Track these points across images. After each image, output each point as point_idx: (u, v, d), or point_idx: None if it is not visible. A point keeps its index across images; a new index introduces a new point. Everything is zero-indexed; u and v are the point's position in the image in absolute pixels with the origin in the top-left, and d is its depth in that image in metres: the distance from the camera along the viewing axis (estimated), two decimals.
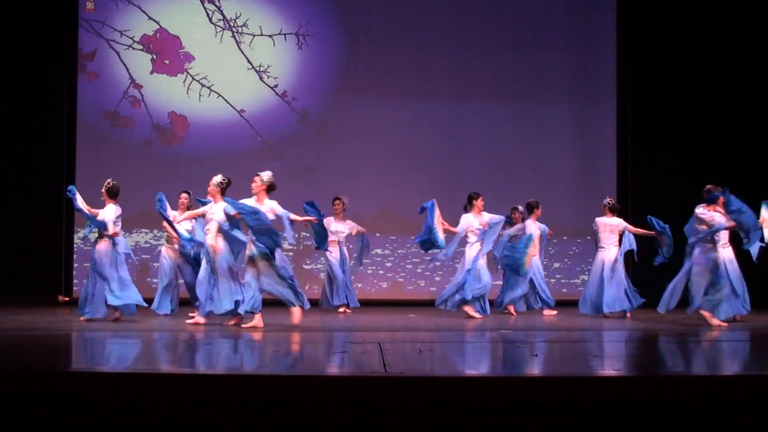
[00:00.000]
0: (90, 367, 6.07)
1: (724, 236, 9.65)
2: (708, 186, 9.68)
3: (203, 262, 9.37)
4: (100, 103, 12.93)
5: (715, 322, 9.36)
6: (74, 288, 12.53)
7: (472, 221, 10.82)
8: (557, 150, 13.57)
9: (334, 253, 11.56)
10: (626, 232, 11.11)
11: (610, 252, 11.10)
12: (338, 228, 11.68)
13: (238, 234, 9.25)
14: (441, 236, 10.47)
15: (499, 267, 11.48)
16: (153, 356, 7.03)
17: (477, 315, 10.61)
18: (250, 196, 10.59)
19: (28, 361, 6.17)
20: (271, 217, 9.11)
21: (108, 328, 8.78)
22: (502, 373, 5.72)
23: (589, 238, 12.41)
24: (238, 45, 13.21)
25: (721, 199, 9.41)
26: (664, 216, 10.86)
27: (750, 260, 9.84)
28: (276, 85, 13.23)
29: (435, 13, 13.49)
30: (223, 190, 9.54)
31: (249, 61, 13.20)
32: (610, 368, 5.93)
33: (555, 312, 11.40)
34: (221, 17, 13.20)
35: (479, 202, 10.91)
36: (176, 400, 4.91)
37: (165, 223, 10.26)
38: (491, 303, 11.26)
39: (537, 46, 13.57)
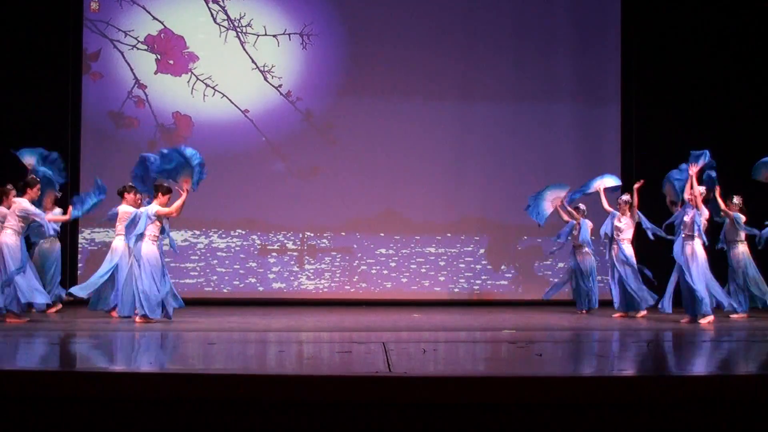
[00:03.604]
0: (93, 367, 6.08)
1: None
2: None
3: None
4: (104, 103, 12.95)
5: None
6: None
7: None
8: (561, 150, 13.55)
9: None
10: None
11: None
12: None
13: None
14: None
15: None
16: (155, 356, 7.04)
17: None
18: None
19: (32, 361, 6.18)
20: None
21: (111, 329, 8.79)
22: (506, 373, 5.71)
23: (593, 237, 12.33)
24: (242, 45, 13.23)
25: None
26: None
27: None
28: (280, 85, 13.24)
29: (439, 14, 13.48)
30: None
31: (253, 61, 13.21)
32: (613, 368, 5.92)
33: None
34: (225, 17, 13.21)
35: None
36: (177, 400, 4.91)
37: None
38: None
39: (542, 45, 13.56)
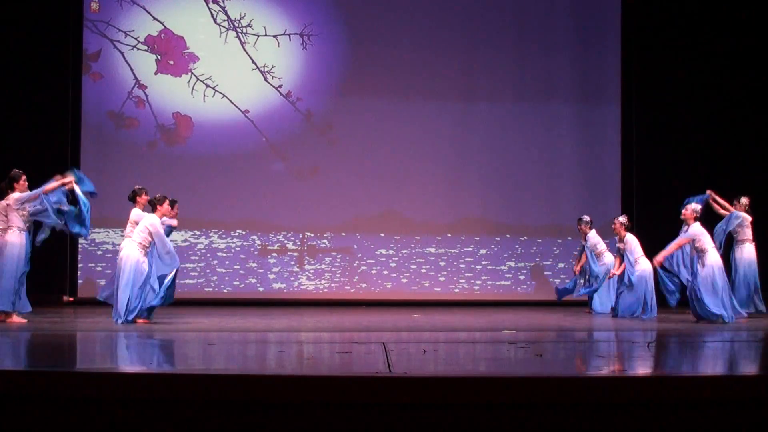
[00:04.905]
0: (93, 367, 6.08)
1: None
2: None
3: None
4: (104, 103, 12.95)
5: None
6: (79, 288, 12.56)
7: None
8: (562, 150, 13.54)
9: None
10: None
11: None
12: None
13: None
14: None
15: None
16: (155, 356, 7.04)
17: None
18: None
19: (32, 361, 6.18)
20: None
21: (112, 329, 8.79)
22: (507, 373, 5.71)
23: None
24: (242, 45, 13.22)
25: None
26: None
27: None
28: (280, 86, 13.24)
29: (440, 14, 13.48)
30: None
31: (253, 62, 13.21)
32: (612, 368, 5.92)
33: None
34: (225, 17, 13.21)
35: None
36: (177, 400, 4.91)
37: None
38: None
39: (542, 46, 13.55)
